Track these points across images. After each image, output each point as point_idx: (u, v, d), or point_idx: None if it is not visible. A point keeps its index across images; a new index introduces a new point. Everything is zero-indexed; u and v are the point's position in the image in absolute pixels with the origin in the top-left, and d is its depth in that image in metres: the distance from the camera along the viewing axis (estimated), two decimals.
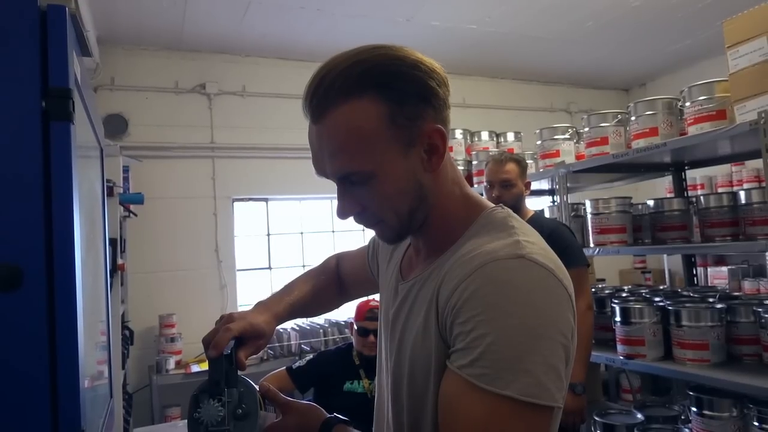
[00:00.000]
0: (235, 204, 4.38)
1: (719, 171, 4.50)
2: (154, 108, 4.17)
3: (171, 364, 3.59)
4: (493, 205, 0.89)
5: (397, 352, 0.88)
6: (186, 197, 4.16)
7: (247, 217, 4.46)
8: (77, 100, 0.83)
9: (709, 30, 4.48)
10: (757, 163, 4.19)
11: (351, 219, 0.85)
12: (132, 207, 3.43)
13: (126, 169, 3.61)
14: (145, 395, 3.68)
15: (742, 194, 2.47)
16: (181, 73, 4.28)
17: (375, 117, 0.76)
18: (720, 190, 4.39)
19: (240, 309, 4.19)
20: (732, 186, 4.35)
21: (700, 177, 4.57)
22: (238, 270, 4.30)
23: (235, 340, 0.94)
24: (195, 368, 3.60)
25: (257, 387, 0.93)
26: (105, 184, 1.64)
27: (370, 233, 0.94)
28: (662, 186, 4.52)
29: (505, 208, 0.88)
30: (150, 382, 3.61)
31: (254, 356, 3.53)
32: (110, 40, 4.06)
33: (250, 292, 4.29)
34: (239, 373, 0.91)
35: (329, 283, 1.24)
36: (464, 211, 0.87)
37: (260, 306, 1.08)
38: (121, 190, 3.41)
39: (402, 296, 0.90)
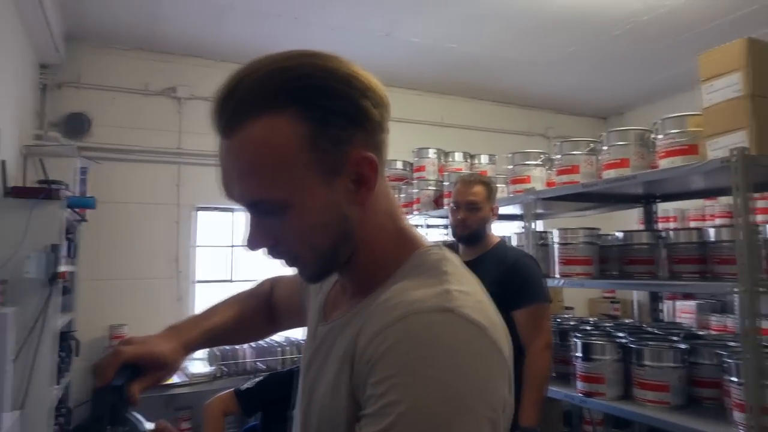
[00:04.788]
0: (199, 213, 4.24)
1: (692, 204, 4.48)
2: (120, 109, 4.03)
3: None
4: (430, 243, 0.78)
5: (307, 405, 0.78)
6: (147, 203, 4.01)
7: (210, 227, 4.31)
8: None
9: (689, 63, 4.47)
10: (730, 199, 4.17)
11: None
12: (87, 211, 3.28)
13: (84, 171, 3.47)
14: (88, 410, 3.49)
15: (711, 231, 2.42)
16: (151, 75, 4.15)
17: (293, 137, 0.65)
18: (692, 224, 4.36)
19: None
20: (704, 220, 4.32)
21: (673, 209, 4.54)
22: (197, 282, 4.15)
23: (132, 370, 0.83)
24: None
25: (150, 426, 0.81)
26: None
27: None
28: (635, 216, 4.48)
29: (443, 248, 0.76)
30: None
31: (205, 373, 3.41)
32: (78, 37, 3.93)
33: (209, 305, 4.14)
34: (132, 409, 0.80)
35: (258, 309, 1.12)
36: (395, 248, 0.76)
37: (170, 330, 0.96)
38: (76, 193, 3.26)
39: (320, 340, 0.80)
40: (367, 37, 4.04)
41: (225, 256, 4.35)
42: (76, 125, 3.84)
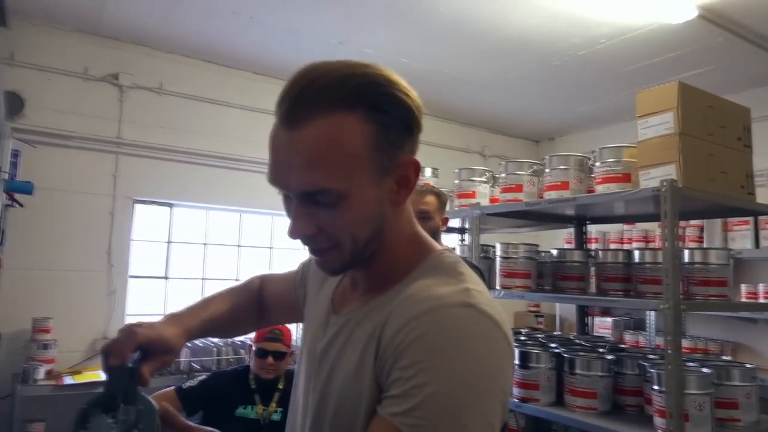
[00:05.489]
0: (137, 206, 4.10)
1: (612, 228, 4.84)
2: (57, 91, 3.83)
3: (40, 373, 3.23)
4: (442, 247, 0.87)
5: (323, 390, 0.83)
6: (82, 192, 3.83)
7: (148, 221, 4.18)
8: None
9: (616, 98, 4.86)
10: (646, 225, 4.56)
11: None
12: (19, 197, 3.11)
13: (15, 154, 3.27)
14: (4, 406, 3.28)
15: (636, 253, 2.64)
16: (93, 59, 3.97)
17: (362, 135, 0.73)
18: (612, 245, 4.71)
19: (128, 319, 3.89)
20: (623, 243, 4.68)
21: (596, 231, 4.88)
22: (131, 276, 4.00)
23: (141, 353, 0.87)
24: (68, 380, 3.27)
25: (158, 407, 0.84)
26: None
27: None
28: (560, 236, 4.78)
29: (454, 252, 0.87)
30: (12, 392, 3.22)
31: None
32: (19, 12, 3.69)
33: (143, 301, 4.00)
34: (140, 389, 0.83)
35: (249, 304, 1.17)
36: (413, 251, 0.84)
37: (172, 318, 1.00)
38: (6, 177, 3.09)
39: (334, 331, 0.86)
40: (320, 43, 4.08)
41: (161, 253, 4.22)
42: (7, 104, 3.62)
